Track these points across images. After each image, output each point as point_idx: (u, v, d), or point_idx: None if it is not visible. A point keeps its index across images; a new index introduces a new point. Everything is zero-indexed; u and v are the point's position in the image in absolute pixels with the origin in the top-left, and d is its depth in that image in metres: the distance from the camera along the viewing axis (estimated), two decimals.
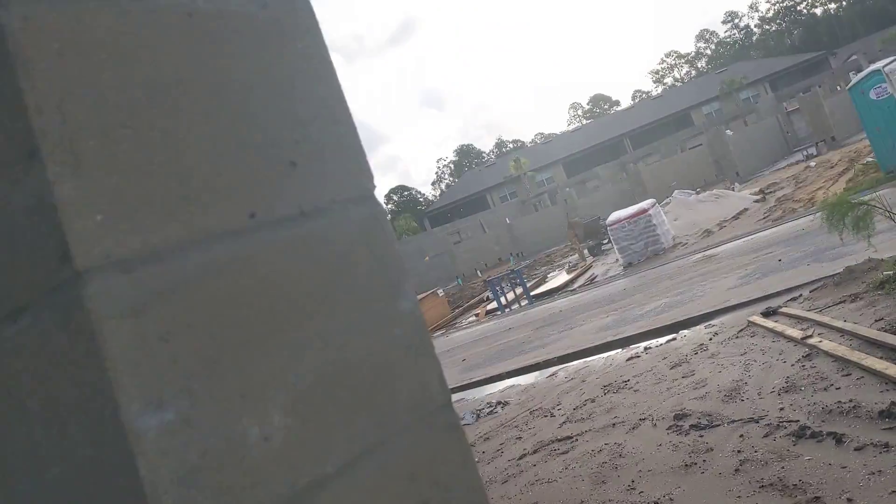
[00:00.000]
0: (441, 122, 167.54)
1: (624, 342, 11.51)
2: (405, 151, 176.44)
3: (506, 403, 10.01)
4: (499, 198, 65.85)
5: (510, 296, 25.80)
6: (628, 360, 9.98)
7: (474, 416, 9.86)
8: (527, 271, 34.46)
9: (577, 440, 6.83)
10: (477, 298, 31.22)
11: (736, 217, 24.40)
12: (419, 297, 27.86)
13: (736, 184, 36.07)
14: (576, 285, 24.55)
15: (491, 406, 10.11)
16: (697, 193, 31.21)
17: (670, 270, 18.55)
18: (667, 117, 64.86)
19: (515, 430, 8.25)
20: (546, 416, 8.42)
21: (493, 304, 25.80)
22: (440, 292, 30.21)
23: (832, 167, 25.91)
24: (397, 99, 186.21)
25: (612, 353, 11.12)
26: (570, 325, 15.37)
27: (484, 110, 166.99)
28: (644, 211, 23.28)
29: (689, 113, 65.01)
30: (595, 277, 24.36)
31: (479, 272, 44.39)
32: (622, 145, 64.85)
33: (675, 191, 32.10)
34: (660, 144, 59.03)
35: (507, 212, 54.41)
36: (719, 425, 5.88)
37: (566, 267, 30.78)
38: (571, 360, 11.75)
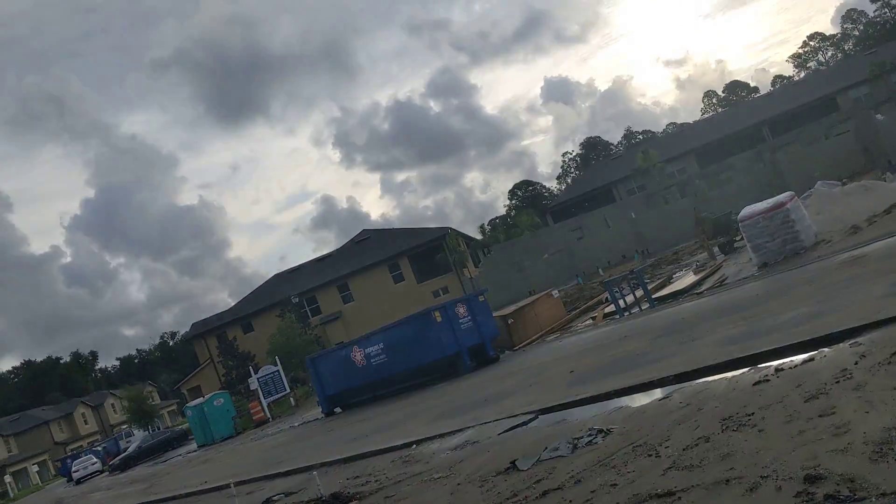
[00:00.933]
0: (567, 116, 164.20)
1: (752, 360, 10.02)
2: (531, 147, 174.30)
3: (608, 432, 8.77)
4: (625, 191, 63.07)
5: (630, 298, 24.16)
6: (755, 384, 8.60)
7: (570, 446, 8.67)
8: (650, 270, 32.52)
9: (679, 499, 5.55)
10: (595, 300, 29.59)
11: (888, 211, 21.79)
12: (533, 298, 26.75)
13: (888, 173, 32.83)
14: (703, 287, 22.66)
15: (591, 434, 8.90)
16: (843, 185, 28.55)
17: (811, 273, 16.70)
18: (809, 102, 60.08)
19: (612, 473, 7.02)
20: (650, 456, 7.15)
21: (612, 307, 24.23)
22: (555, 293, 28.77)
23: None
24: (522, 94, 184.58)
25: (738, 372, 9.71)
26: (693, 335, 13.85)
27: (612, 102, 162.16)
28: (782, 205, 21.34)
29: (834, 97, 60.03)
30: (725, 279, 22.43)
31: (600, 270, 42.52)
32: (759, 133, 60.65)
33: (818, 182, 29.59)
34: (801, 131, 54.80)
35: (633, 206, 51.93)
36: (865, 499, 4.48)
37: (693, 266, 28.69)
38: (689, 380, 10.37)
